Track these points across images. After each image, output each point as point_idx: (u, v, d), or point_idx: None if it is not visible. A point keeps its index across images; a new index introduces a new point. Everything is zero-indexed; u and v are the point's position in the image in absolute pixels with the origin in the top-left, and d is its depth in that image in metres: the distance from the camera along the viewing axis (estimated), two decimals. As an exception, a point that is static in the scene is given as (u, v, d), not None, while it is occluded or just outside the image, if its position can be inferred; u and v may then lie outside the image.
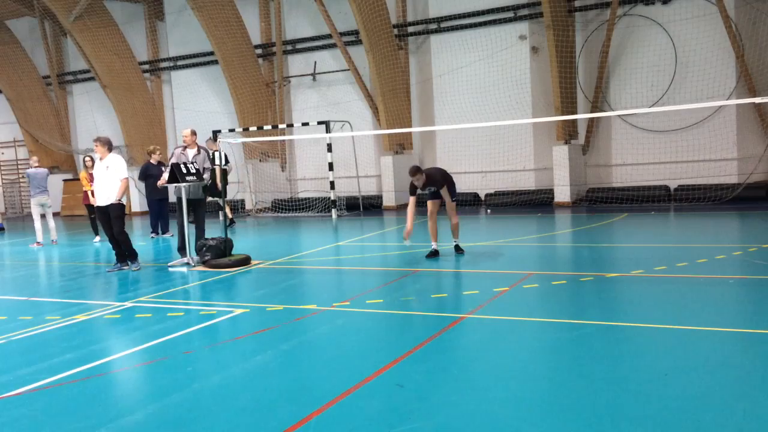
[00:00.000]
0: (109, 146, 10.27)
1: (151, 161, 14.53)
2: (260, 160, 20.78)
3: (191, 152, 10.94)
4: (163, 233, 14.90)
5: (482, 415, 3.98)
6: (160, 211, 14.79)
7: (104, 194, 10.14)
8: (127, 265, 10.38)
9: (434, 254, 9.82)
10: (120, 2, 23.08)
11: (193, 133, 11.08)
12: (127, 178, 10.16)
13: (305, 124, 18.64)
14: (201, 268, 10.03)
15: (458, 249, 10.00)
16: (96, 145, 10.22)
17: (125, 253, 10.35)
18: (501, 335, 5.79)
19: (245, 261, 10.12)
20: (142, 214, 21.84)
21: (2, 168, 27.14)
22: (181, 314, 7.13)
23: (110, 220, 10.16)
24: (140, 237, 14.95)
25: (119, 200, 10.09)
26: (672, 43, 16.25)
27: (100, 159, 10.23)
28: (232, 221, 15.68)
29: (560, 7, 16.40)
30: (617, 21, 16.54)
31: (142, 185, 16.21)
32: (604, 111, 16.56)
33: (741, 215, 13.47)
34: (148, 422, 4.16)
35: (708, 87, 15.83)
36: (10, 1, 23.02)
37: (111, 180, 10.07)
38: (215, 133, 18.24)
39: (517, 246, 10.76)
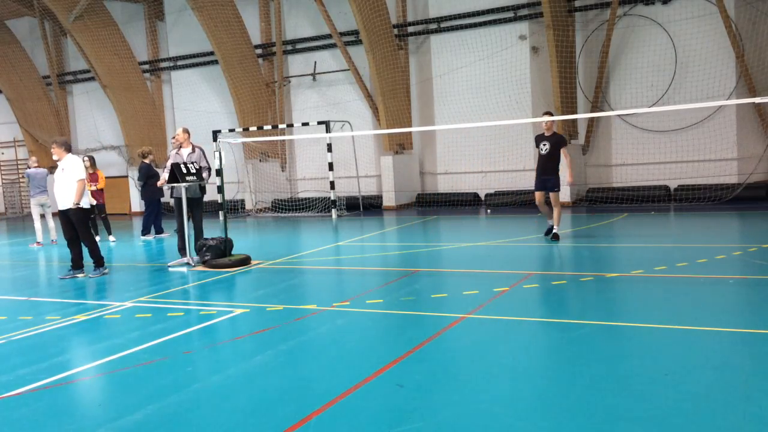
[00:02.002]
0: (67, 147, 9.85)
1: (145, 161, 14.60)
2: (260, 160, 20.77)
3: (185, 151, 10.93)
4: (158, 234, 14.89)
5: (482, 415, 3.98)
6: (157, 212, 14.78)
7: (62, 198, 9.69)
8: (83, 273, 9.88)
9: (551, 232, 10.73)
10: (120, 2, 23.07)
11: (185, 131, 11.05)
12: (83, 180, 9.62)
13: (305, 124, 18.63)
14: (201, 268, 10.02)
15: (555, 236, 10.63)
16: (53, 147, 9.83)
17: (81, 259, 9.85)
18: (501, 335, 5.79)
19: (245, 261, 10.12)
20: (142, 214, 21.77)
21: (2, 168, 27.14)
22: (181, 314, 7.13)
23: (70, 224, 9.76)
24: (139, 237, 14.93)
25: (77, 204, 9.56)
26: (672, 43, 16.25)
27: (58, 160, 9.79)
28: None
29: (560, 7, 16.39)
30: (617, 21, 16.53)
31: (139, 185, 15.97)
32: (604, 111, 16.55)
33: (741, 215, 13.46)
34: (148, 422, 4.16)
35: (708, 87, 15.83)
36: (10, 1, 23.02)
37: (67, 182, 9.62)
38: (215, 133, 18.25)
39: (517, 246, 10.76)
